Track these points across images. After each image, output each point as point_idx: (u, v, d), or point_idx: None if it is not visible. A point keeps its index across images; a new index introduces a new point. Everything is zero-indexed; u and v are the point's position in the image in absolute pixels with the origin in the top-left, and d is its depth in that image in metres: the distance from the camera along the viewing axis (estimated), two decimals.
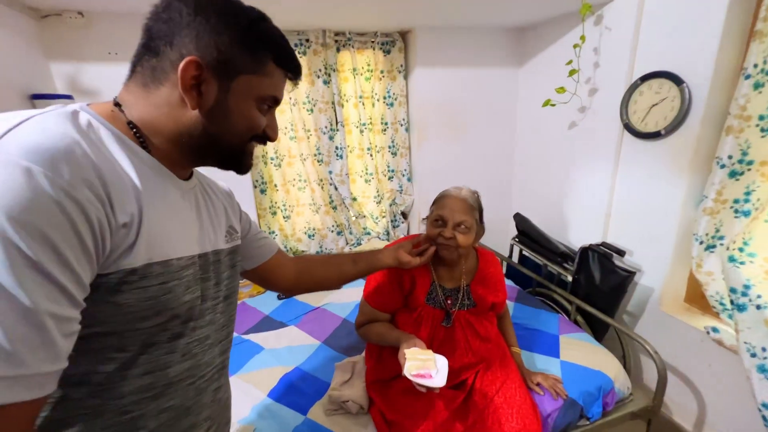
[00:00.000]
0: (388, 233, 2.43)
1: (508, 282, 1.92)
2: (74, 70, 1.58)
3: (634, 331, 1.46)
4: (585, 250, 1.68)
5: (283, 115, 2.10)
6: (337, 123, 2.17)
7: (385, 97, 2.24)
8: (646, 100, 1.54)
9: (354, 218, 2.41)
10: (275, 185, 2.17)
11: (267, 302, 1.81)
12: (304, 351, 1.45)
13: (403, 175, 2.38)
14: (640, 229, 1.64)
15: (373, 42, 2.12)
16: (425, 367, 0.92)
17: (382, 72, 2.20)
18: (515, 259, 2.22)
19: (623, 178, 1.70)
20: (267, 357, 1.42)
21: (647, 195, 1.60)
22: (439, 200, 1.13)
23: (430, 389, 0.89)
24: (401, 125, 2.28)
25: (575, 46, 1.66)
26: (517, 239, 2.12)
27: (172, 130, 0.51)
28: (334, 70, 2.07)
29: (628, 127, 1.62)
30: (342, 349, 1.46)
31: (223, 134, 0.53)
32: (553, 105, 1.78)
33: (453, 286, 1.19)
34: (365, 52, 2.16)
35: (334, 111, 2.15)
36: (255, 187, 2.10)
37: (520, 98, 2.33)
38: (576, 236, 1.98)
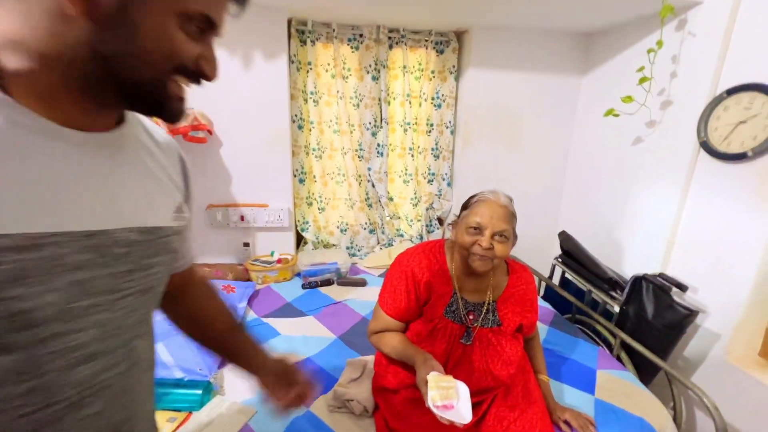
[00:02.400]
0: (421, 237, 2.35)
1: (543, 304, 1.77)
2: None
3: (691, 381, 1.26)
4: (638, 280, 1.49)
5: (330, 108, 2.12)
6: (381, 120, 2.15)
7: (433, 98, 2.18)
8: (731, 116, 1.34)
9: (388, 218, 2.36)
10: (314, 176, 2.19)
11: (291, 290, 1.82)
12: (319, 343, 1.42)
13: (444, 179, 2.30)
14: (710, 264, 1.42)
15: (427, 41, 2.08)
16: (448, 396, 0.85)
17: (432, 72, 2.14)
18: (556, 280, 2.04)
19: (694, 203, 1.49)
20: (281, 343, 1.40)
21: (723, 225, 1.38)
22: (475, 205, 1.03)
23: (454, 424, 0.81)
24: (447, 128, 2.20)
25: (650, 51, 1.49)
26: (560, 259, 1.94)
27: (49, 52, 0.35)
28: (384, 67, 2.06)
29: (706, 146, 1.41)
30: (357, 347, 1.41)
31: (127, 59, 0.37)
32: (617, 115, 1.61)
33: (477, 300, 1.09)
34: (418, 51, 2.12)
35: (380, 108, 2.13)
36: (294, 176, 2.14)
37: (580, 108, 2.16)
38: (629, 264, 1.77)
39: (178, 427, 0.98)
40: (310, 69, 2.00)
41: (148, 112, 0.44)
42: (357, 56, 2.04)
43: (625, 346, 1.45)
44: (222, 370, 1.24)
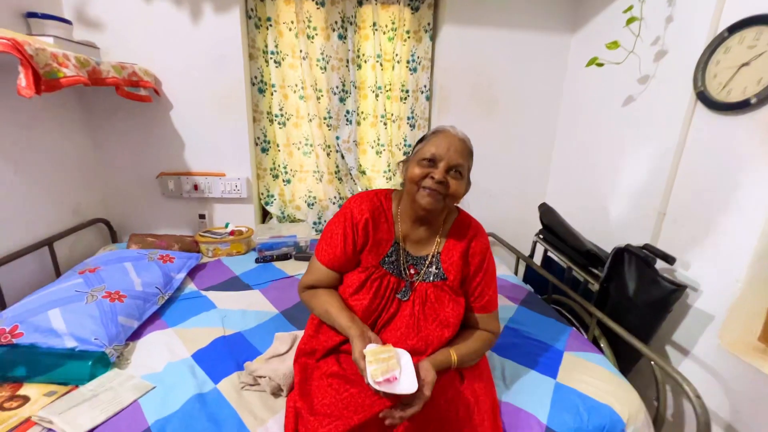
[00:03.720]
0: None
1: (517, 282, 1.59)
2: None
3: (678, 369, 1.08)
4: (620, 252, 1.30)
5: (294, 71, 1.95)
6: (350, 84, 1.97)
7: (408, 61, 1.99)
8: (733, 58, 1.14)
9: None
10: (278, 146, 2.04)
11: (243, 263, 1.68)
12: (257, 317, 1.28)
13: None
14: (705, 234, 1.23)
15: None
16: (389, 368, 0.75)
17: (408, 32, 1.95)
18: (538, 259, 1.86)
19: (689, 164, 1.29)
20: (214, 316, 1.26)
21: (721, 190, 1.19)
22: (432, 136, 0.90)
23: (399, 396, 0.73)
24: (422, 93, 2.02)
25: None
26: (540, 236, 1.76)
27: None
28: (351, 24, 1.88)
29: (703, 97, 1.21)
30: (299, 323, 1.26)
31: None
32: (600, 65, 1.41)
33: (421, 254, 0.94)
34: (390, 8, 1.93)
35: (348, 71, 1.96)
36: (256, 144, 1.98)
37: (570, 70, 1.95)
38: (620, 238, 1.58)
39: (54, 401, 0.84)
40: (270, 26, 1.84)
41: None
42: (323, 13, 1.86)
43: (603, 328, 1.27)
44: (139, 340, 1.11)
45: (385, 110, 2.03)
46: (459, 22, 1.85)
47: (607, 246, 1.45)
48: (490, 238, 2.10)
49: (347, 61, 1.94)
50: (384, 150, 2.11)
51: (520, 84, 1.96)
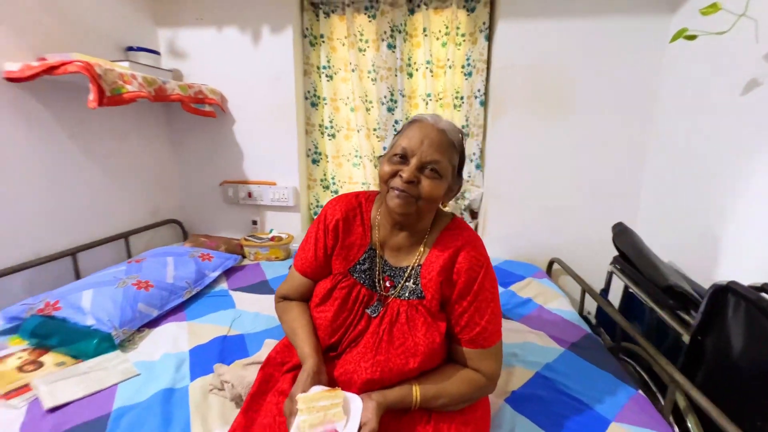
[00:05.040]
0: None
1: (573, 320, 1.26)
2: (171, 33, 1.86)
3: None
4: (721, 292, 0.91)
5: (346, 84, 1.99)
6: (397, 93, 1.91)
7: (463, 66, 1.85)
8: None
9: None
10: (327, 157, 2.08)
11: (277, 268, 1.71)
12: (267, 322, 1.26)
13: (471, 161, 1.92)
14: None
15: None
16: (327, 420, 0.63)
17: (463, 35, 1.82)
18: (614, 294, 1.46)
19: None
20: (227, 316, 1.29)
21: None
22: (407, 127, 0.76)
23: None
24: (476, 98, 1.84)
25: None
26: (616, 265, 1.38)
27: None
28: (399, 32, 1.83)
29: None
30: None
31: None
32: (691, 37, 1.05)
33: (401, 265, 0.79)
34: (443, 12, 1.84)
35: (396, 80, 1.90)
36: (308, 156, 2.06)
37: (668, 59, 1.54)
38: (728, 274, 1.13)
39: (55, 371, 0.93)
40: (323, 42, 1.92)
41: None
42: (374, 25, 1.87)
43: (693, 405, 0.88)
44: (155, 329, 1.19)
45: None
46: (518, 17, 1.64)
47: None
48: (555, 266, 1.75)
49: (396, 71, 1.89)
50: None
51: (599, 80, 1.63)
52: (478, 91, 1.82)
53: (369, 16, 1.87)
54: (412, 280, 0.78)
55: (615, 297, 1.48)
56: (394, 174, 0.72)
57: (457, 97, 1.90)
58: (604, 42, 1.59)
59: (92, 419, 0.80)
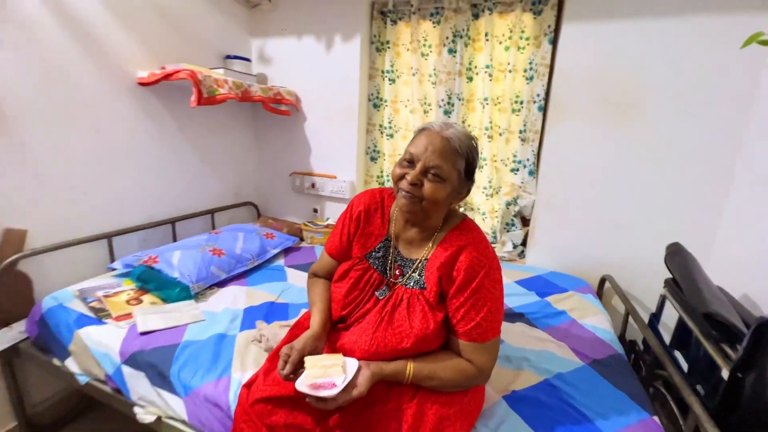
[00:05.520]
0: (495, 237, 2.00)
1: (605, 338, 1.20)
2: (261, 43, 2.18)
3: None
4: (766, 327, 0.82)
5: (407, 87, 2.10)
6: (454, 97, 1.96)
7: (525, 70, 1.83)
8: None
9: (460, 208, 2.12)
10: (384, 155, 2.21)
11: None
12: (304, 294, 1.44)
13: (525, 167, 1.88)
14: None
15: (521, 2, 1.77)
16: (327, 374, 0.75)
17: (527, 39, 1.80)
18: (668, 317, 1.33)
19: None
20: (279, 287, 1.50)
21: None
22: (416, 135, 0.86)
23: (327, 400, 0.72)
24: (534, 103, 1.80)
25: None
26: (668, 289, 1.27)
27: None
28: (460, 37, 1.88)
29: None
30: None
31: None
32: (765, 43, 0.93)
33: (411, 257, 0.89)
34: (508, 16, 1.83)
35: (455, 83, 1.95)
36: (367, 153, 2.22)
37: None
38: None
39: (148, 306, 1.22)
40: (388, 48, 2.05)
41: None
42: (438, 30, 1.95)
43: None
44: (222, 288, 1.45)
45: (490, 122, 1.91)
46: (586, 18, 1.58)
47: None
48: (607, 286, 1.64)
49: (455, 75, 1.94)
50: (486, 164, 1.98)
51: (677, 84, 1.48)
52: (537, 95, 1.78)
53: (434, 22, 1.95)
54: (417, 272, 0.87)
55: (671, 322, 1.35)
56: (402, 177, 0.81)
57: (516, 102, 1.88)
58: (687, 42, 1.44)
59: (166, 345, 1.06)
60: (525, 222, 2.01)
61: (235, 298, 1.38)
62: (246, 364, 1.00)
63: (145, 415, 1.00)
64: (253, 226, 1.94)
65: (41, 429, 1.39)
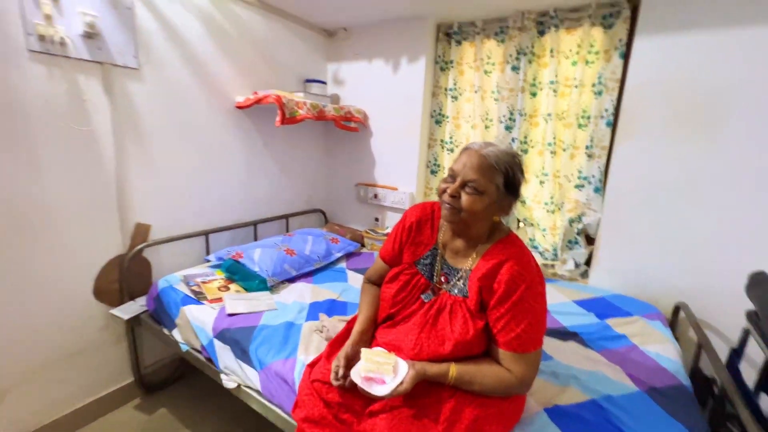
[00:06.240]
0: (556, 254, 1.95)
1: (670, 368, 1.14)
2: (335, 67, 2.42)
3: None
4: None
5: (469, 104, 2.16)
6: (516, 113, 1.98)
7: (593, 85, 1.79)
8: None
9: (520, 224, 2.11)
10: (445, 169, 2.29)
11: None
12: None
13: (590, 183, 1.82)
14: None
15: (590, 16, 1.75)
16: (380, 371, 0.84)
17: (596, 53, 1.77)
18: (753, 353, 1.21)
19: None
20: (340, 287, 1.66)
21: None
22: (458, 154, 0.96)
23: (377, 397, 0.82)
24: (602, 118, 1.75)
25: None
26: (752, 321, 1.15)
27: None
28: (525, 54, 1.90)
29: None
30: None
31: None
32: None
33: (457, 266, 0.97)
34: (576, 31, 1.82)
35: (517, 100, 1.97)
36: (427, 167, 2.32)
37: None
38: None
39: (234, 293, 1.46)
40: (452, 67, 2.15)
41: None
42: (502, 48, 2.00)
43: None
44: (292, 284, 1.65)
45: (554, 138, 1.89)
46: (662, 31, 1.51)
47: None
48: (682, 315, 1.52)
49: (518, 91, 1.96)
50: (548, 180, 1.95)
51: (765, 99, 1.35)
52: (606, 110, 1.73)
53: (498, 41, 2.01)
54: (461, 281, 0.94)
55: (758, 358, 1.22)
56: (445, 191, 0.90)
57: (582, 117, 1.84)
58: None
59: (247, 326, 1.26)
60: (589, 240, 1.93)
61: (303, 293, 1.57)
62: (309, 349, 1.16)
63: (228, 382, 1.20)
64: (321, 231, 2.16)
65: (150, 387, 1.71)
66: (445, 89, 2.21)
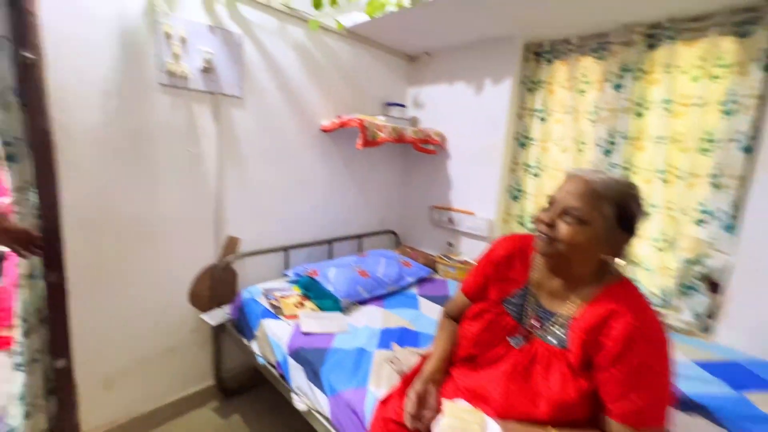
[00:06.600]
0: (666, 300, 1.66)
1: None
2: (416, 90, 2.44)
3: None
4: None
5: (560, 125, 2.00)
6: (617, 135, 1.76)
7: (722, 102, 1.52)
8: None
9: (620, 261, 1.84)
10: (528, 195, 2.12)
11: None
12: (434, 325, 1.49)
13: (717, 219, 1.51)
14: None
15: (717, 26, 1.51)
16: (466, 430, 0.75)
17: (727, 66, 1.51)
18: None
19: None
20: (412, 314, 1.60)
21: None
22: (563, 181, 0.85)
23: None
24: (735, 141, 1.46)
25: None
26: None
27: None
28: (629, 71, 1.70)
29: None
30: None
31: None
32: None
33: (553, 309, 0.85)
34: (698, 43, 1.57)
35: (618, 121, 1.76)
36: (508, 192, 2.18)
37: None
38: None
39: (308, 311, 1.48)
40: (540, 87, 2.01)
41: None
42: (601, 66, 1.82)
43: None
44: (363, 306, 1.64)
45: (666, 164, 1.64)
46: None
47: None
48: None
49: (619, 111, 1.75)
50: (658, 212, 1.68)
51: None
52: (740, 133, 1.44)
53: (596, 58, 1.83)
54: (560, 328, 0.81)
55: None
56: (541, 220, 0.80)
57: (706, 140, 1.56)
58: None
59: (320, 347, 1.26)
60: (713, 287, 1.59)
61: (374, 317, 1.53)
62: (380, 380, 1.10)
63: (299, 403, 1.20)
64: (394, 253, 2.13)
65: (227, 391, 1.81)
66: (532, 110, 2.07)
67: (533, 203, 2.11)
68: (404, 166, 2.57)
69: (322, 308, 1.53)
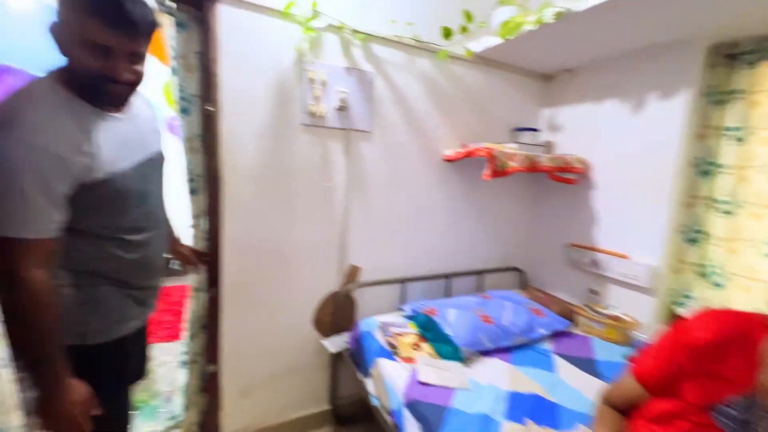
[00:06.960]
0: None
1: None
2: (551, 112, 2.17)
3: None
4: None
5: (767, 147, 1.48)
6: None
7: None
8: None
9: None
10: (713, 238, 1.61)
11: (609, 351, 1.54)
12: (587, 406, 1.20)
13: None
14: None
15: None
16: None
17: None
18: None
19: None
20: (546, 378, 1.34)
21: None
22: None
23: None
24: None
25: None
26: None
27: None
28: None
29: None
30: None
31: (76, 74, 0.77)
32: None
33: None
34: None
35: None
36: (681, 233, 1.69)
37: None
38: None
39: (427, 356, 1.37)
40: (734, 99, 1.53)
41: (99, 101, 0.83)
42: None
43: None
44: (486, 358, 1.45)
45: None
46: None
47: None
48: None
49: None
50: None
51: None
52: None
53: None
54: None
55: None
56: None
57: None
58: None
59: (438, 404, 1.13)
60: None
61: (499, 374, 1.33)
62: None
63: None
64: (521, 297, 1.87)
65: (341, 419, 1.82)
66: (722, 129, 1.59)
67: (724, 250, 1.59)
68: (534, 196, 2.29)
69: (440, 354, 1.41)
